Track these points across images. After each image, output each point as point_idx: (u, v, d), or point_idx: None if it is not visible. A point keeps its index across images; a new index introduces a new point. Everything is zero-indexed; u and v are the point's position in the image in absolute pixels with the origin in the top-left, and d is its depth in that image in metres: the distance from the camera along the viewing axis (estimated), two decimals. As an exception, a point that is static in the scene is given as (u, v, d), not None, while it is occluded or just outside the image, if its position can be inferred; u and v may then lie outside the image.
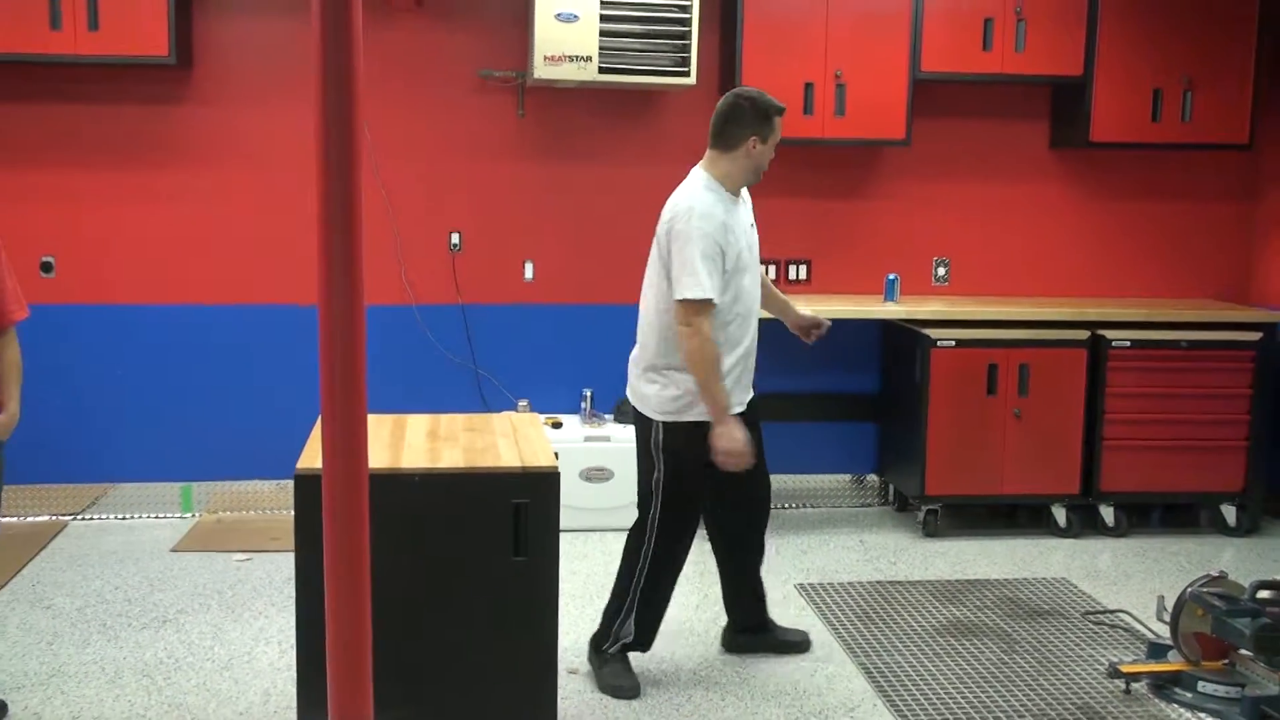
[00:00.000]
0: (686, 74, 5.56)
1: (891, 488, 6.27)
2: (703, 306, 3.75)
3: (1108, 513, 5.91)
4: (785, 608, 4.80)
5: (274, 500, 5.90)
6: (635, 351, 4.07)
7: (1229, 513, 5.97)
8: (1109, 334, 5.80)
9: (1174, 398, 5.86)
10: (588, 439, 5.77)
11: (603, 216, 6.09)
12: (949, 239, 6.37)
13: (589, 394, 5.98)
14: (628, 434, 5.79)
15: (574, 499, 5.67)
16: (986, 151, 6.33)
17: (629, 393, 4.10)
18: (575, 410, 6.06)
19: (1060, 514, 5.90)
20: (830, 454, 6.32)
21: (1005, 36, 5.88)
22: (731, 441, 3.81)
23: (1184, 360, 5.84)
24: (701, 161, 4.02)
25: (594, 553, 5.49)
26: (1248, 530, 5.95)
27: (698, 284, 3.74)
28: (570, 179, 6.05)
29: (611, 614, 4.12)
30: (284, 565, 5.13)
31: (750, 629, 4.42)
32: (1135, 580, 5.31)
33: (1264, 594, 3.94)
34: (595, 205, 6.08)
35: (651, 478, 4.00)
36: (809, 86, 5.77)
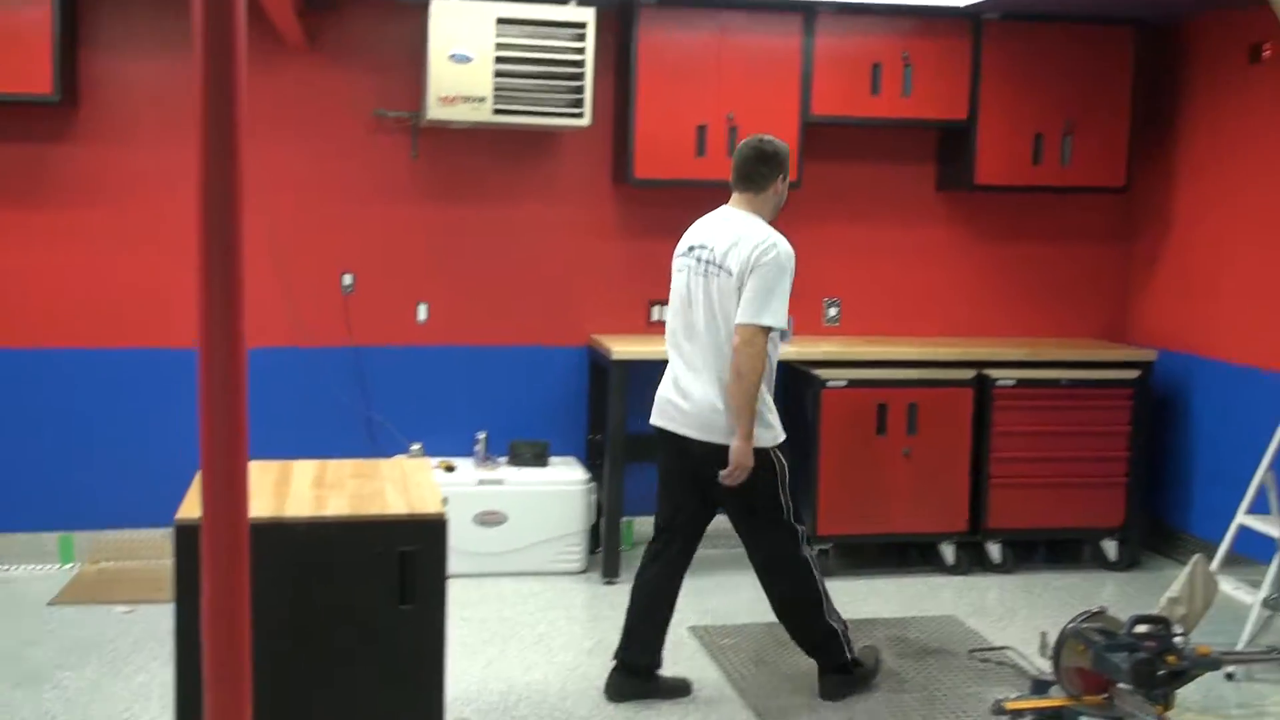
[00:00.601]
0: (581, 115, 5.60)
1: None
2: (768, 334, 4.08)
3: (994, 550, 6.02)
4: (679, 650, 4.81)
5: (160, 549, 5.78)
6: (709, 390, 4.16)
7: (1110, 547, 6.13)
8: (994, 373, 5.93)
9: (1056, 435, 6.00)
10: (481, 482, 5.74)
11: (497, 257, 6.10)
12: (840, 279, 6.47)
13: (483, 437, 5.96)
14: (522, 477, 5.79)
15: (467, 543, 5.64)
16: (876, 193, 6.46)
17: (702, 434, 4.19)
18: (469, 453, 6.03)
19: (949, 551, 6.00)
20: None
21: (893, 81, 6.02)
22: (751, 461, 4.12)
23: (1065, 399, 5.99)
24: (735, 204, 4.29)
25: (487, 598, 5.46)
26: (1128, 565, 6.10)
27: (780, 313, 4.08)
28: (464, 219, 6.05)
29: (827, 633, 4.35)
30: (169, 616, 5.00)
31: (640, 672, 4.43)
32: (1020, 616, 5.41)
33: (1141, 628, 4.03)
34: (490, 245, 6.09)
35: (767, 506, 4.21)
36: (702, 129, 5.84)
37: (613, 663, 4.46)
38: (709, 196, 6.15)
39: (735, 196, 4.32)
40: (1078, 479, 6.04)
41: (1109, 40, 6.20)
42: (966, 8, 5.92)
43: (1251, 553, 5.51)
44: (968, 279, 6.60)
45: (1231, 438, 5.94)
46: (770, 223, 4.28)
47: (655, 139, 5.83)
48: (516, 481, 5.77)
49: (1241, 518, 5.14)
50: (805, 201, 6.31)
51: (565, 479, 5.85)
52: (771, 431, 4.20)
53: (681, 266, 4.33)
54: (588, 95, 5.60)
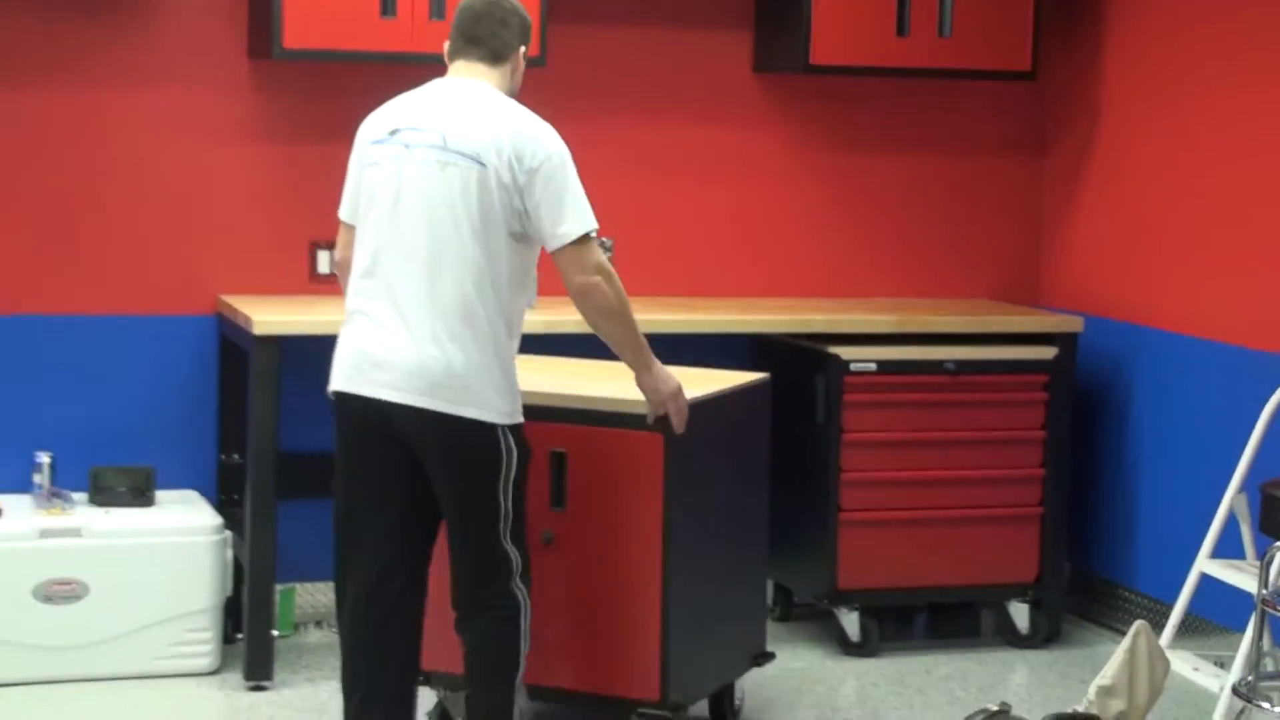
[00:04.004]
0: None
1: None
2: (594, 241, 4.45)
3: (850, 622, 6.14)
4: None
5: None
6: (440, 334, 4.31)
7: (1019, 613, 6.31)
8: (843, 352, 6.05)
9: (937, 445, 6.17)
10: (45, 534, 5.63)
11: (61, 174, 6.01)
12: (610, 209, 6.41)
13: (46, 461, 5.85)
14: (111, 524, 5.71)
15: (22, 633, 5.53)
16: (662, 76, 6.53)
17: (425, 398, 4.32)
18: (24, 488, 5.91)
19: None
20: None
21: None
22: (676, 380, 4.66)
23: (950, 390, 6.15)
24: (466, 72, 4.52)
25: (57, 717, 5.37)
26: (1045, 638, 6.30)
27: (590, 214, 4.44)
28: (5, 113, 5.94)
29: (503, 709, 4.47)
30: None
31: None
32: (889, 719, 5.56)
33: (1061, 733, 4.21)
34: (49, 155, 6.00)
35: (499, 514, 4.40)
36: (398, -23, 5.84)
37: None
38: (404, 77, 6.09)
39: (461, 66, 4.53)
40: (971, 513, 6.21)
41: None
42: None
43: (1217, 615, 5.74)
44: (803, 208, 6.73)
45: (1192, 446, 6.14)
46: None
47: (316, -12, 5.81)
48: (103, 531, 5.67)
49: (1203, 564, 5.35)
50: (553, 88, 6.27)
51: (182, 525, 5.78)
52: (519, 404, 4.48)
53: (377, 158, 4.42)
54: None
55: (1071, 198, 6.84)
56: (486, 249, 4.33)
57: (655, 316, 6.03)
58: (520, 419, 4.43)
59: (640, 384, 4.64)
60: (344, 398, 4.47)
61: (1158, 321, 6.35)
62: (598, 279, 4.42)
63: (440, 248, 4.32)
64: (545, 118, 6.34)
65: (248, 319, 5.64)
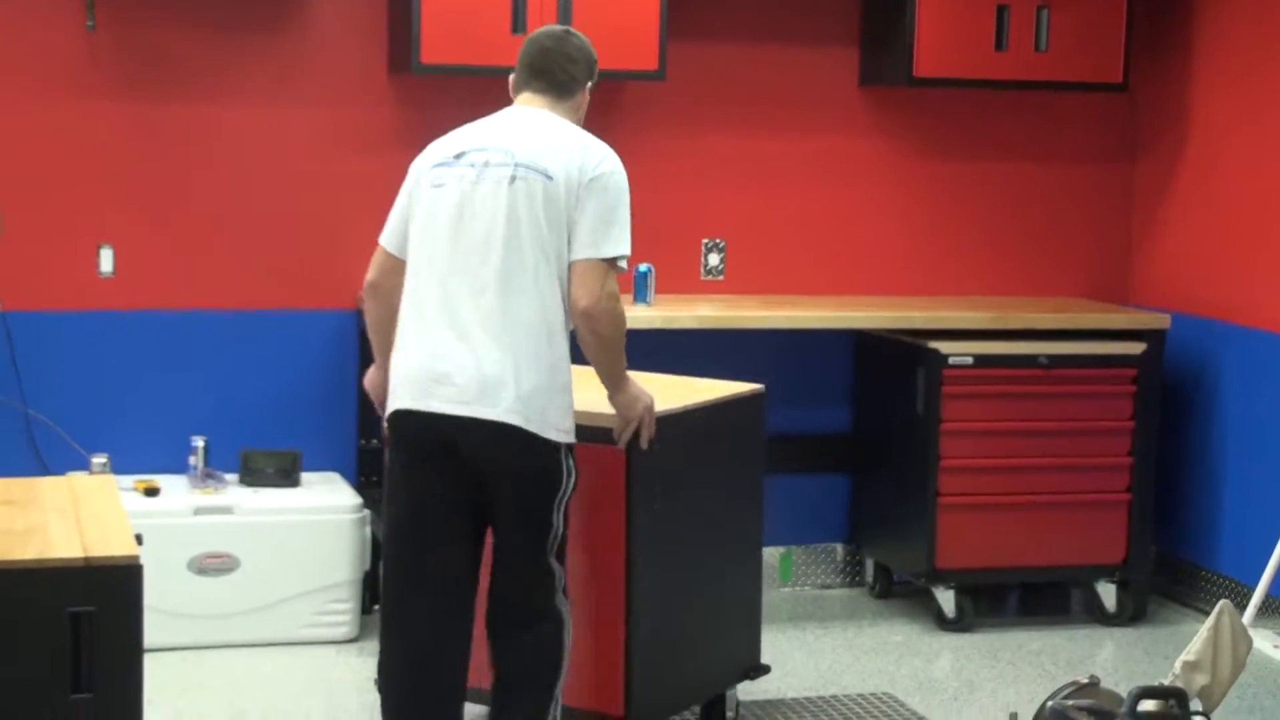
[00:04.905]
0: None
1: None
2: (616, 269, 4.25)
3: (946, 599, 6.09)
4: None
5: None
6: (506, 363, 4.12)
7: (1106, 593, 6.24)
8: (942, 346, 5.99)
9: (1031, 436, 6.10)
10: (199, 511, 5.67)
11: (217, 178, 6.03)
12: (723, 213, 6.46)
13: (201, 445, 5.89)
14: (260, 503, 5.75)
15: (178, 602, 5.55)
16: (774, 89, 6.47)
17: (480, 409, 4.12)
18: (181, 469, 5.94)
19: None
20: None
21: (796, -71, 6.07)
22: (649, 396, 4.42)
23: (1043, 383, 6.09)
24: (532, 103, 4.39)
25: (210, 681, 5.38)
26: (1131, 617, 6.23)
27: (628, 242, 4.24)
28: (169, 124, 5.97)
29: None
30: None
31: None
32: (983, 692, 5.48)
33: (1147, 705, 4.07)
34: (206, 162, 6.01)
35: (551, 531, 4.22)
36: (520, -9, 5.81)
37: None
38: (532, 90, 6.13)
39: (528, 98, 4.40)
40: (1061, 498, 6.14)
41: (1102, -127, 6.33)
42: None
43: (1298, 598, 5.67)
44: (904, 213, 6.66)
45: (1274, 437, 6.08)
46: None
47: (452, 7, 5.78)
48: (252, 509, 5.70)
49: (1285, 548, 5.26)
50: (671, 101, 6.29)
51: (326, 504, 5.81)
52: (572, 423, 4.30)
53: (442, 179, 4.24)
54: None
55: (1160, 203, 6.75)
56: (552, 267, 4.16)
57: (764, 313, 6.06)
58: (574, 439, 4.25)
59: (614, 403, 4.37)
60: (404, 417, 4.26)
61: (1242, 319, 6.27)
62: (608, 305, 4.18)
63: (507, 265, 4.14)
64: (662, 128, 6.39)
65: (387, 314, 5.60)
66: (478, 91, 5.95)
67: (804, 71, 6.50)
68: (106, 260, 5.96)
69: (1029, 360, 6.07)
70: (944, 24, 6.20)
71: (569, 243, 4.16)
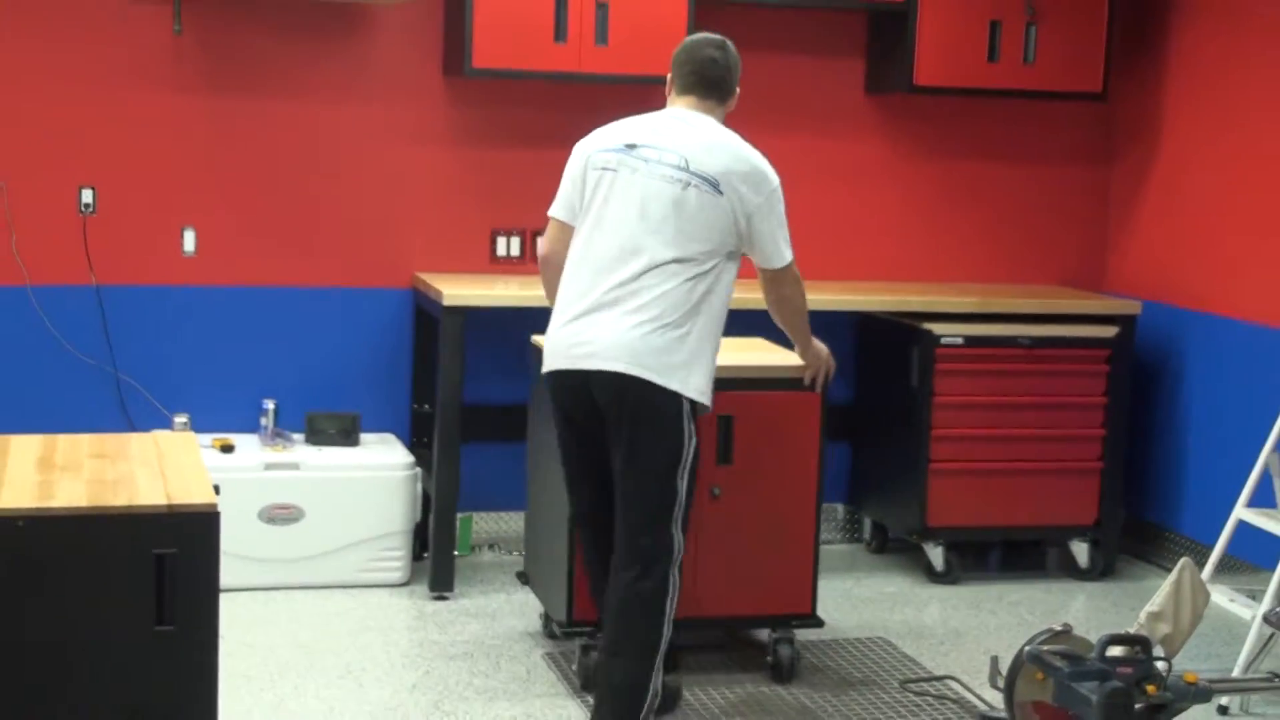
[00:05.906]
0: (401, -16, 5.53)
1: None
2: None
3: (935, 555, 6.11)
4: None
5: None
6: (648, 315, 4.21)
7: (1079, 551, 6.26)
8: (935, 328, 6.01)
9: (1013, 408, 6.11)
10: (269, 466, 5.69)
11: (290, 168, 6.04)
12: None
13: (271, 407, 5.91)
14: (324, 460, 5.77)
15: (250, 547, 5.58)
16: (787, 96, 6.47)
17: (625, 365, 4.19)
18: (253, 429, 5.96)
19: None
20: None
21: (810, -50, 6.05)
22: (826, 349, 4.85)
23: (1025, 361, 6.10)
24: (696, 108, 4.43)
25: (276, 618, 5.41)
26: (1101, 572, 6.24)
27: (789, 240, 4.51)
28: (245, 119, 5.98)
29: (640, 690, 4.23)
30: None
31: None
32: (967, 639, 5.50)
33: (1115, 650, 4.09)
34: (280, 153, 6.02)
35: (671, 488, 4.27)
36: (561, 5, 5.79)
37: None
38: (572, 94, 6.14)
39: (691, 101, 4.44)
40: (1040, 465, 6.15)
41: (1086, -97, 6.31)
42: None
43: (1251, 556, 5.66)
44: (904, 207, 6.66)
45: (1232, 413, 6.08)
46: None
47: (500, 17, 5.77)
48: (316, 465, 5.73)
49: (1240, 512, 5.25)
50: (697, 103, 6.28)
51: (381, 462, 5.82)
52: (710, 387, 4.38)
53: (612, 164, 4.29)
54: (412, -43, 5.53)
55: (1133, 201, 6.74)
56: (708, 260, 4.25)
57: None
58: (706, 404, 4.31)
59: (803, 356, 4.79)
60: (555, 375, 4.34)
61: (1205, 306, 6.27)
62: (796, 289, 4.55)
63: (669, 253, 4.20)
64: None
65: (439, 293, 5.64)
66: (523, 93, 6.04)
67: (816, 80, 6.51)
68: (189, 240, 5.98)
69: (1013, 341, 6.08)
70: (942, 37, 6.20)
71: (756, 253, 4.40)
